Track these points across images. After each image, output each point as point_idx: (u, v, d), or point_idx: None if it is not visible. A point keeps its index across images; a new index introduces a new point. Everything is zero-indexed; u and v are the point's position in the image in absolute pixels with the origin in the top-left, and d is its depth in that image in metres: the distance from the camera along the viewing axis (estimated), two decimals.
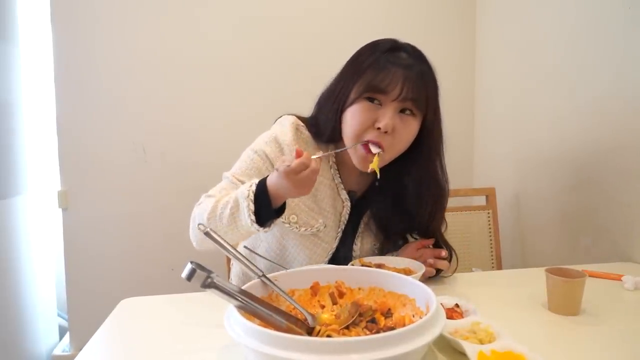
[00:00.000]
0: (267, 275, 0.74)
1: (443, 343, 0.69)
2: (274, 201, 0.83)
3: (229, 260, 1.33)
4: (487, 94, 1.94)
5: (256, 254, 1.04)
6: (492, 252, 1.63)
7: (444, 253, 1.00)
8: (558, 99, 1.50)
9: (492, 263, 1.63)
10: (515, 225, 1.74)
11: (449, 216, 1.59)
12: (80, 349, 0.72)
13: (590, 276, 0.92)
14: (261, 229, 0.85)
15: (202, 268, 0.60)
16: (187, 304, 0.92)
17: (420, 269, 0.92)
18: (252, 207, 0.83)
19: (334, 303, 0.77)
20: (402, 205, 1.04)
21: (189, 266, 0.60)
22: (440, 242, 1.05)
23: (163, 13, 1.76)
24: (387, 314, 0.73)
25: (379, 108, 0.90)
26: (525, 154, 1.68)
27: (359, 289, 0.77)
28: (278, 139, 0.99)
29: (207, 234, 0.74)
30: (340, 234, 1.05)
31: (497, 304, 0.89)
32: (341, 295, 0.77)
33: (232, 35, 1.81)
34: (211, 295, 0.61)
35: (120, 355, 0.73)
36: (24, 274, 1.76)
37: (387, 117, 0.89)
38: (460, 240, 1.62)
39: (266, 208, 0.83)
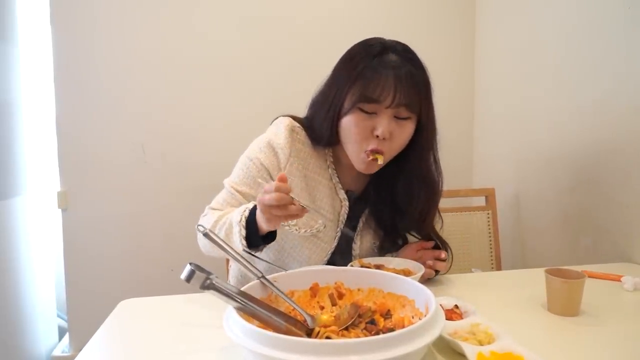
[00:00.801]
0: (267, 277, 0.73)
1: (442, 344, 0.69)
2: (262, 228, 0.84)
3: (228, 261, 1.33)
4: (487, 94, 1.94)
5: (255, 256, 1.04)
6: (491, 252, 1.63)
7: (443, 255, 1.00)
8: (558, 100, 1.50)
9: (492, 264, 1.63)
10: (515, 226, 1.74)
11: (448, 217, 1.61)
12: (80, 350, 0.72)
13: (589, 277, 0.92)
14: (252, 251, 0.86)
15: (201, 269, 0.60)
16: (186, 305, 0.92)
17: (420, 270, 0.92)
18: (243, 232, 0.84)
19: (334, 304, 0.77)
20: (399, 202, 1.05)
21: (188, 267, 0.60)
22: (434, 238, 1.06)
23: (162, 13, 1.76)
24: (387, 315, 0.73)
25: (374, 117, 0.91)
26: (524, 154, 1.68)
27: (359, 290, 0.77)
28: (272, 143, 1.00)
29: (206, 235, 0.75)
30: (339, 234, 1.05)
31: (497, 305, 0.89)
32: (340, 296, 0.77)
33: (232, 35, 1.81)
34: (210, 296, 0.61)
35: (120, 356, 0.73)
36: (23, 274, 1.76)
37: (383, 124, 0.90)
38: (459, 240, 1.62)
39: (254, 236, 0.85)
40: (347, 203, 1.04)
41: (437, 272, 1.00)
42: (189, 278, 0.59)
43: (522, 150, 1.70)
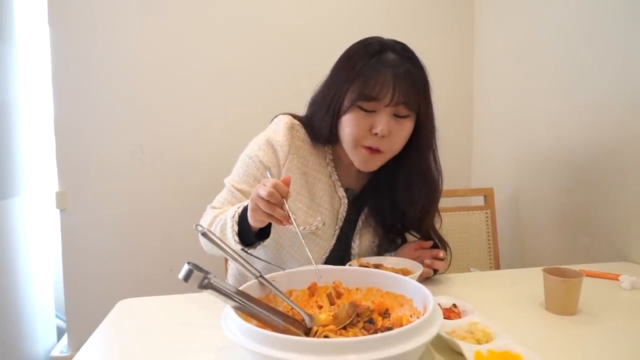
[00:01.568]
0: (265, 276, 0.74)
1: (440, 343, 0.69)
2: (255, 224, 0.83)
3: (226, 260, 1.33)
4: (486, 94, 1.94)
5: (252, 255, 1.04)
6: (490, 252, 1.63)
7: (442, 254, 1.00)
8: (556, 100, 1.50)
9: (490, 263, 1.63)
10: (514, 226, 1.74)
11: (447, 216, 1.61)
12: (78, 350, 0.72)
13: (587, 276, 0.93)
14: (247, 249, 0.86)
15: (200, 269, 0.60)
16: (184, 305, 0.92)
17: (418, 269, 0.93)
18: (235, 228, 0.85)
19: (332, 303, 0.77)
20: (398, 201, 1.05)
21: (186, 267, 0.60)
22: (434, 237, 1.06)
23: (161, 13, 1.75)
24: (385, 314, 0.73)
25: (373, 115, 0.92)
26: (523, 154, 1.68)
27: (357, 289, 0.77)
28: (271, 140, 1.00)
29: (204, 234, 0.75)
30: (337, 231, 1.05)
31: (495, 304, 0.90)
32: (339, 295, 0.77)
33: (231, 35, 1.81)
34: (209, 296, 0.61)
35: (118, 356, 0.73)
36: (21, 275, 1.76)
37: (382, 122, 0.90)
38: (458, 240, 1.62)
39: (247, 232, 0.85)
40: (346, 201, 1.04)
41: (435, 271, 1.00)
42: (186, 277, 0.59)
43: (520, 150, 1.70)
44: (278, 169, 1.00)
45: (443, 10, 1.96)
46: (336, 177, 1.04)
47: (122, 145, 1.77)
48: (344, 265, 0.96)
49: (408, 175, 1.02)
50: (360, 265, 0.96)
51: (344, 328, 0.68)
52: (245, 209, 0.84)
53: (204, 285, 0.60)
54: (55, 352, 1.83)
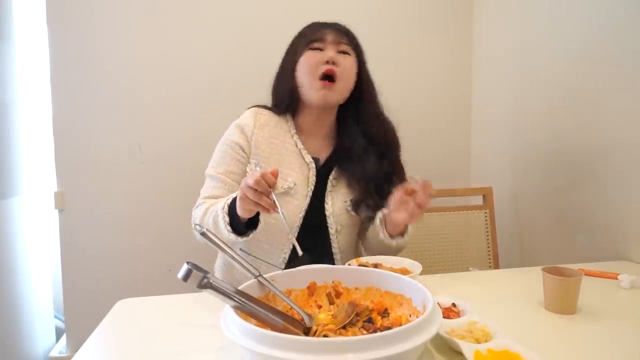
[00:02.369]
0: (264, 275, 0.73)
1: (440, 342, 0.69)
2: (243, 214, 0.91)
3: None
4: (484, 93, 1.94)
5: (250, 254, 1.04)
6: (489, 251, 1.63)
7: (412, 186, 0.99)
8: (555, 99, 1.50)
9: (489, 262, 1.63)
10: (513, 225, 1.74)
11: (446, 216, 1.62)
12: (77, 351, 0.72)
13: (586, 275, 0.93)
14: (240, 238, 0.95)
15: (199, 268, 0.60)
16: (183, 305, 0.92)
17: (417, 268, 0.92)
18: (227, 219, 0.94)
19: (331, 303, 0.77)
20: (362, 157, 1.12)
21: (185, 267, 0.60)
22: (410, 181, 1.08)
23: (160, 13, 1.75)
24: (384, 313, 0.73)
25: (321, 52, 1.07)
26: (522, 153, 1.69)
27: (356, 288, 0.77)
28: (238, 123, 1.14)
29: (203, 234, 0.75)
30: (310, 192, 1.10)
31: (494, 303, 0.90)
32: (338, 295, 0.77)
33: (231, 35, 1.81)
34: (208, 295, 0.61)
35: (117, 356, 0.73)
36: (20, 275, 1.75)
37: (330, 52, 1.07)
38: (457, 239, 1.62)
39: (237, 223, 0.94)
40: (313, 165, 1.12)
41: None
42: (186, 277, 0.59)
43: (519, 150, 1.70)
44: (248, 144, 1.11)
45: (442, 11, 1.96)
46: (302, 145, 1.13)
47: (120, 145, 1.76)
48: (321, 230, 1.08)
49: (364, 121, 1.13)
50: (360, 265, 0.96)
51: (343, 327, 0.68)
52: (234, 201, 0.91)
53: (203, 285, 0.60)
54: (54, 353, 1.83)
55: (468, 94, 2.02)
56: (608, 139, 1.29)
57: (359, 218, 1.14)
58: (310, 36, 1.09)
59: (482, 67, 1.95)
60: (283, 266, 1.07)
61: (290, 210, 1.07)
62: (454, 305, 0.79)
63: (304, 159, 1.12)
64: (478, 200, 1.69)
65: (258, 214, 0.94)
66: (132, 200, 1.78)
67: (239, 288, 0.66)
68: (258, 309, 0.64)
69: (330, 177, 1.13)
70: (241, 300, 0.63)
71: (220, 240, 0.75)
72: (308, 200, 1.09)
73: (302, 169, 1.11)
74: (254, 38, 1.82)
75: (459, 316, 0.76)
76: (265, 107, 1.18)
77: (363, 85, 1.13)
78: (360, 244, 1.18)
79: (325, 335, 0.65)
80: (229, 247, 0.75)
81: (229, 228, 0.93)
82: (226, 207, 0.94)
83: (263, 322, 0.64)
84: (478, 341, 0.66)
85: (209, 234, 0.74)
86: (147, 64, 1.76)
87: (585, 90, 1.37)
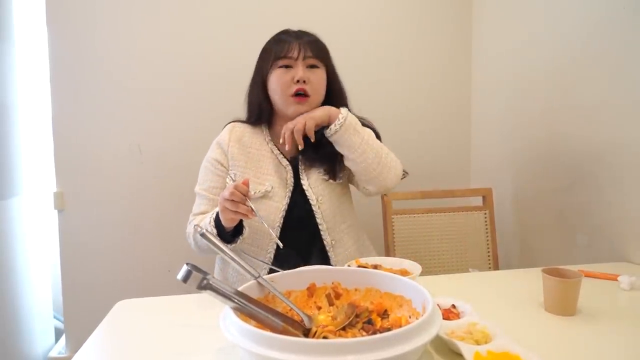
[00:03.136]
0: (264, 277, 0.73)
1: (440, 344, 0.69)
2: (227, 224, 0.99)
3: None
4: (484, 94, 1.94)
5: (247, 254, 1.05)
6: (489, 252, 1.63)
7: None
8: (554, 100, 1.50)
9: (489, 263, 1.63)
10: (512, 226, 1.74)
11: (446, 217, 1.62)
12: (76, 351, 0.71)
13: (586, 276, 0.93)
14: (229, 245, 1.02)
15: (199, 270, 0.60)
16: (183, 306, 0.92)
17: (417, 269, 0.92)
18: (214, 231, 1.02)
19: (331, 304, 0.77)
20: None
21: (184, 268, 0.60)
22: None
23: (160, 13, 1.75)
24: (384, 315, 0.73)
25: (291, 69, 1.11)
26: (522, 154, 1.68)
27: (356, 290, 0.77)
28: (218, 141, 1.21)
29: (203, 235, 0.75)
30: (289, 193, 1.15)
31: (494, 304, 0.90)
32: (337, 296, 0.77)
33: (230, 35, 1.80)
34: (207, 296, 0.61)
35: (117, 356, 0.73)
36: (19, 275, 1.75)
37: (299, 70, 1.10)
38: (457, 240, 1.62)
39: (224, 233, 1.02)
40: (290, 168, 1.18)
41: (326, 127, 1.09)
42: (185, 278, 0.59)
43: (519, 151, 1.70)
44: (225, 157, 1.18)
45: (441, 12, 1.96)
46: (277, 151, 1.19)
47: (120, 145, 1.76)
48: (307, 219, 1.14)
49: None
50: (359, 266, 0.96)
51: (343, 329, 0.68)
52: (218, 215, 1.00)
53: (203, 286, 0.60)
54: (53, 353, 1.82)
55: (467, 94, 2.02)
56: (608, 139, 1.29)
57: (339, 183, 1.20)
58: (278, 53, 1.12)
59: (481, 68, 1.95)
60: (270, 262, 1.13)
61: (270, 212, 1.13)
62: (453, 306, 0.79)
63: (280, 163, 1.18)
64: (478, 201, 1.69)
65: (242, 221, 1.03)
66: (131, 201, 1.78)
67: (239, 289, 0.66)
68: (257, 310, 0.64)
69: (299, 157, 1.18)
70: (241, 302, 0.63)
71: (220, 240, 0.76)
72: (287, 200, 1.14)
73: (278, 172, 1.17)
74: (255, 39, 1.81)
75: (459, 317, 0.76)
76: (240, 120, 1.25)
77: (333, 93, 1.18)
78: (363, 188, 1.19)
79: (324, 337, 0.65)
80: (227, 247, 0.75)
81: (217, 239, 0.96)
82: (212, 221, 1.02)
83: (262, 324, 0.64)
84: (478, 343, 0.66)
85: (208, 234, 0.75)
86: (147, 64, 1.76)
87: (584, 91, 1.37)
